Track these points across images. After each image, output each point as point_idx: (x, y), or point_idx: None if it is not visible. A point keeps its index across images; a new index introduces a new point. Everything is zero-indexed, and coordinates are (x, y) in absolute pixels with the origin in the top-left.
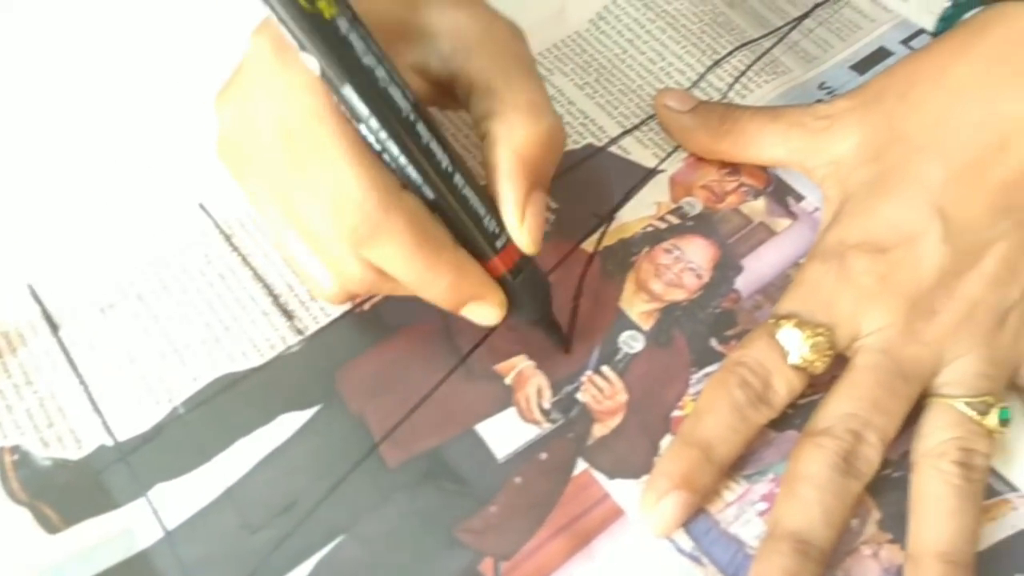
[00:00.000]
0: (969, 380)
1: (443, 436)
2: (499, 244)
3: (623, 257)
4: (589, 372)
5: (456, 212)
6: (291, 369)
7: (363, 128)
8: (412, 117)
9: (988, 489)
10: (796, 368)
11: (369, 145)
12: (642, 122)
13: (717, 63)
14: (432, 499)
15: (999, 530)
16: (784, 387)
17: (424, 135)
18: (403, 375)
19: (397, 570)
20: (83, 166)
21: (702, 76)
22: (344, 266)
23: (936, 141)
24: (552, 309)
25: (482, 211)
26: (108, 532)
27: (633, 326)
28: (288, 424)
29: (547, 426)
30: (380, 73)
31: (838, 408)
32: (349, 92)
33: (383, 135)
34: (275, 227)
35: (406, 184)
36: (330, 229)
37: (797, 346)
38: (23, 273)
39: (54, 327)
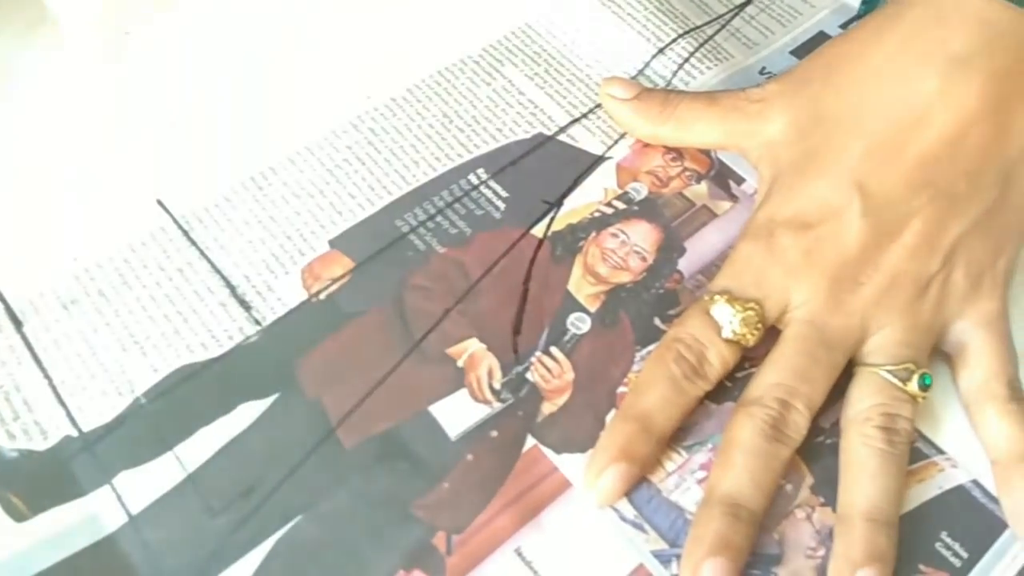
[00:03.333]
0: (892, 348)
1: (398, 417)
2: None
3: (571, 242)
4: (538, 353)
5: None
6: (249, 359)
7: None
8: None
9: (916, 452)
10: (729, 342)
11: None
12: (590, 111)
13: (661, 51)
14: (387, 478)
15: (927, 491)
16: (718, 360)
17: None
18: (359, 361)
19: (353, 547)
20: (43, 166)
21: (647, 64)
22: None
23: (856, 120)
24: None
25: None
26: (75, 518)
27: (581, 308)
28: (248, 412)
29: (497, 405)
30: None
31: (768, 378)
32: None
33: None
34: None
35: None
36: None
37: (729, 320)
38: None
39: (18, 323)
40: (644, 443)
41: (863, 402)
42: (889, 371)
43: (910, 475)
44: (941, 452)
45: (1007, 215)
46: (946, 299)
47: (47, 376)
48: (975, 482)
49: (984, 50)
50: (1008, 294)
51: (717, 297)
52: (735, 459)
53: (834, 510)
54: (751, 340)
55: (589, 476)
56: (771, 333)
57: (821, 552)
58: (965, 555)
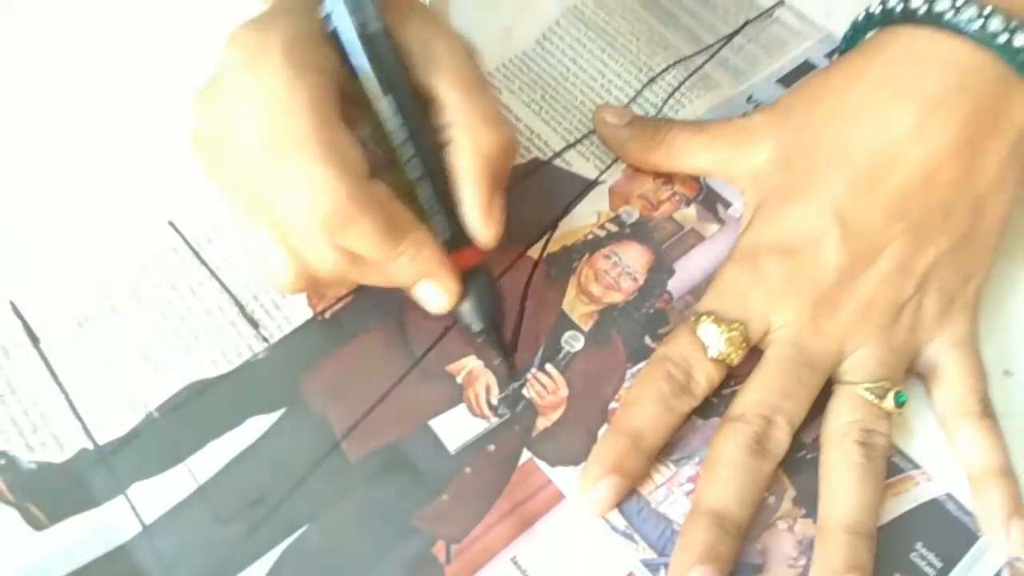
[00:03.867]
0: (869, 368)
1: (400, 432)
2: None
3: (566, 263)
4: (534, 370)
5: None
6: (258, 375)
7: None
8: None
9: (893, 467)
10: (715, 361)
11: (343, 140)
12: (584, 136)
13: (653, 80)
14: (390, 490)
15: (903, 503)
16: (704, 378)
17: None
18: (362, 377)
19: (357, 556)
20: (59, 189)
21: (639, 92)
22: (317, 251)
23: (837, 154)
24: (502, 324)
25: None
26: (90, 528)
27: (574, 327)
28: (256, 426)
29: (495, 420)
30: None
31: (751, 396)
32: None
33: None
34: (244, 218)
35: (375, 172)
36: (305, 218)
37: (715, 340)
38: (5, 291)
39: (35, 340)
40: (635, 457)
41: (842, 418)
42: (866, 389)
43: (887, 488)
44: (917, 466)
45: (976, 244)
46: (919, 322)
47: (64, 391)
48: (949, 495)
49: (956, 91)
50: (977, 316)
51: (704, 318)
52: (721, 473)
53: (815, 522)
54: (736, 359)
55: (583, 488)
56: (754, 352)
57: (802, 562)
58: (939, 564)
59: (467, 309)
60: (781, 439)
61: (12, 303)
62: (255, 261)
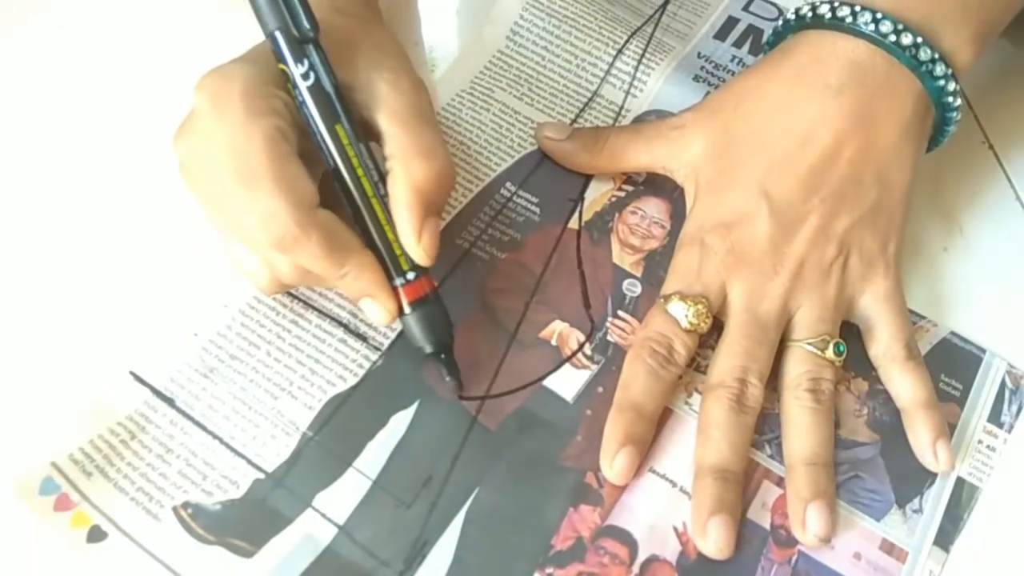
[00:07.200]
0: (810, 324)
1: (523, 397)
2: (409, 277)
3: (602, 225)
4: (610, 318)
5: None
6: (383, 379)
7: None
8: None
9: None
10: (687, 331)
11: (294, 174)
12: (577, 115)
13: (619, 52)
14: (533, 444)
15: (922, 347)
16: (683, 348)
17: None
18: (472, 360)
19: (528, 500)
20: (146, 254)
21: (611, 65)
22: (276, 264)
23: (759, 142)
24: (451, 347)
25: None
26: (294, 542)
27: (629, 275)
28: (401, 421)
29: (594, 367)
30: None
31: (723, 362)
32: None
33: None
34: (221, 233)
35: (326, 202)
36: (262, 237)
37: (684, 315)
38: (123, 362)
39: (169, 401)
40: (640, 426)
41: (793, 371)
42: (810, 343)
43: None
44: (923, 317)
45: (887, 209)
46: (847, 279)
47: (216, 437)
48: (953, 332)
49: (852, 82)
50: (899, 273)
51: (671, 298)
52: (713, 435)
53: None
54: (704, 327)
55: (605, 463)
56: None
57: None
58: (960, 387)
59: (419, 334)
60: (755, 394)
61: (132, 372)
62: (233, 264)
